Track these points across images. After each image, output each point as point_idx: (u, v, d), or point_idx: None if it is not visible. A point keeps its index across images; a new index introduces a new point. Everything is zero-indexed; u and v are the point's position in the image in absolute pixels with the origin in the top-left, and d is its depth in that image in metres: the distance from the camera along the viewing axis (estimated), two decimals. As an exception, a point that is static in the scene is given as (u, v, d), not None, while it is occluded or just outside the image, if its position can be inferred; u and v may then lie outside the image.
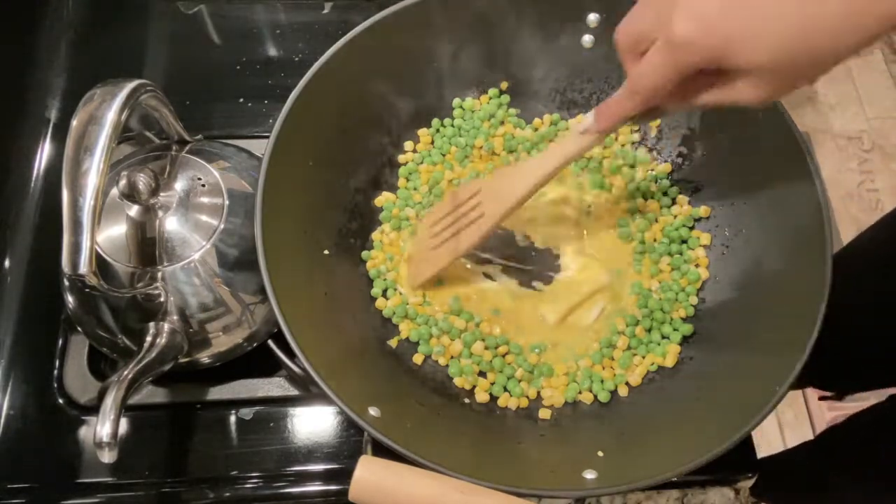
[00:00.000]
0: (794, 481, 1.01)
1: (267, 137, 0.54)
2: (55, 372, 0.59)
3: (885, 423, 0.85)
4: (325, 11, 0.77)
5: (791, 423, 1.40)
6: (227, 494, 0.56)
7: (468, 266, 0.61)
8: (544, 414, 0.56)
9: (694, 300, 0.59)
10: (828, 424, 1.39)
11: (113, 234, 0.52)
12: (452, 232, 0.57)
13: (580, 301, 0.59)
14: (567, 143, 0.52)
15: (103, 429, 0.44)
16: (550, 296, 0.60)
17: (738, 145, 0.60)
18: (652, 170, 0.64)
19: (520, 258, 0.62)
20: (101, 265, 0.51)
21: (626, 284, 0.61)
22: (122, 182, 0.49)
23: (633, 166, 0.64)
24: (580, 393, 0.57)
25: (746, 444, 0.57)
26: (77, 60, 0.73)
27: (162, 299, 0.52)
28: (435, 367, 0.58)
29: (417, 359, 0.58)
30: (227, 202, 0.54)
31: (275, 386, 0.59)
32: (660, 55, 0.41)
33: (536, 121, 0.67)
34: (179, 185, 0.54)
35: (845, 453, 0.93)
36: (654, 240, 0.62)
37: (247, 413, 0.59)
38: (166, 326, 0.52)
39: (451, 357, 0.58)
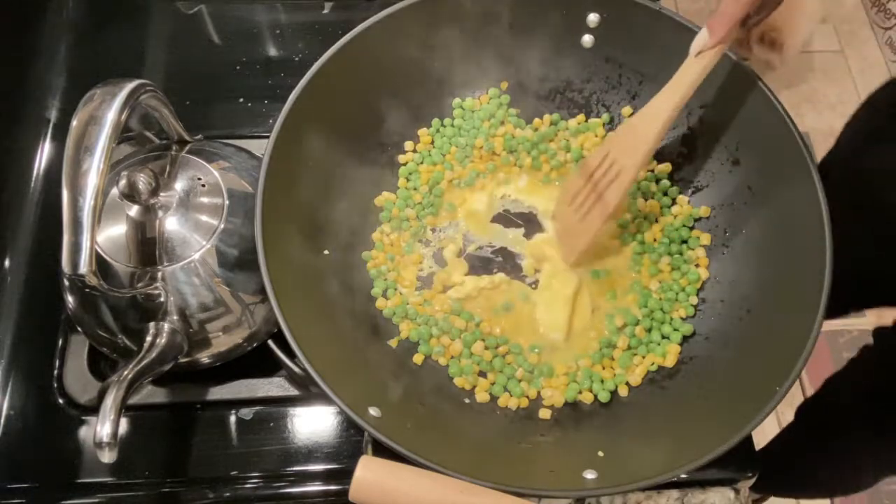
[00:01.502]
0: (785, 461, 1.02)
1: (267, 137, 0.54)
2: (55, 372, 0.59)
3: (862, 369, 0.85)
4: (325, 11, 0.77)
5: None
6: (227, 494, 0.56)
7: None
8: (544, 414, 0.56)
9: (694, 300, 0.59)
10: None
11: (113, 234, 0.52)
12: (594, 198, 0.57)
13: (571, 307, 0.59)
14: (688, 71, 0.52)
15: (103, 429, 0.44)
16: (541, 309, 0.60)
17: (738, 145, 0.60)
18: (652, 170, 0.64)
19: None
20: (101, 265, 0.51)
21: (623, 283, 0.61)
22: (122, 182, 0.49)
23: (633, 166, 0.64)
24: (580, 393, 0.57)
25: (746, 444, 0.57)
26: (77, 60, 0.73)
27: (162, 299, 0.52)
28: (435, 367, 0.58)
29: (417, 359, 0.58)
30: (227, 202, 0.54)
31: (275, 386, 0.59)
32: None
33: (536, 121, 0.67)
34: (179, 185, 0.54)
35: (827, 412, 0.94)
36: (654, 240, 0.62)
37: (247, 413, 0.59)
38: (166, 326, 0.52)
39: (451, 357, 0.58)
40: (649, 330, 0.59)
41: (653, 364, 0.57)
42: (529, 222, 0.63)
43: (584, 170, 0.58)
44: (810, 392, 1.40)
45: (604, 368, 0.58)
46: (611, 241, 0.62)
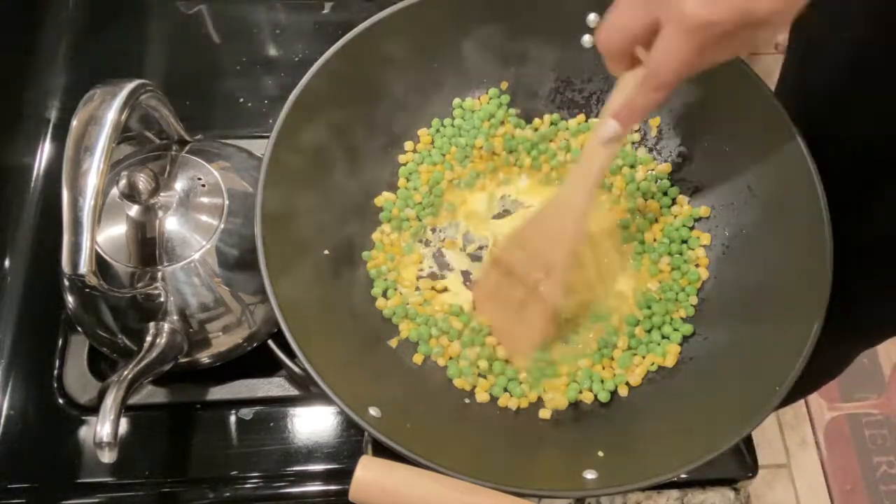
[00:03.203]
0: None
1: (267, 137, 0.54)
2: (55, 372, 0.59)
3: None
4: (325, 11, 0.77)
5: (791, 422, 1.40)
6: (227, 494, 0.56)
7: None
8: (544, 414, 0.56)
9: (694, 300, 0.59)
10: (827, 424, 1.39)
11: (113, 234, 0.52)
12: (525, 294, 0.55)
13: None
14: (596, 157, 0.50)
15: (103, 429, 0.44)
16: None
17: (738, 145, 0.60)
18: (652, 170, 0.64)
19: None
20: (101, 265, 0.51)
21: (622, 283, 0.61)
22: (122, 182, 0.49)
23: (633, 166, 0.64)
24: (580, 393, 0.57)
25: (746, 444, 0.57)
26: (77, 60, 0.73)
27: (162, 299, 0.52)
28: (435, 367, 0.58)
29: (417, 359, 0.58)
30: (227, 202, 0.54)
31: (275, 386, 0.59)
32: (677, 42, 0.40)
33: (536, 121, 0.67)
34: (179, 185, 0.54)
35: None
36: (654, 240, 0.62)
37: (247, 413, 0.59)
38: (166, 326, 0.52)
39: (450, 358, 0.58)
40: (649, 330, 0.59)
41: (653, 364, 0.57)
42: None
43: (498, 266, 0.56)
44: (812, 398, 1.40)
45: (604, 368, 0.58)
46: (610, 241, 0.62)
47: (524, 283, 0.55)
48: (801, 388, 1.01)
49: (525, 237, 0.55)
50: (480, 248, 0.62)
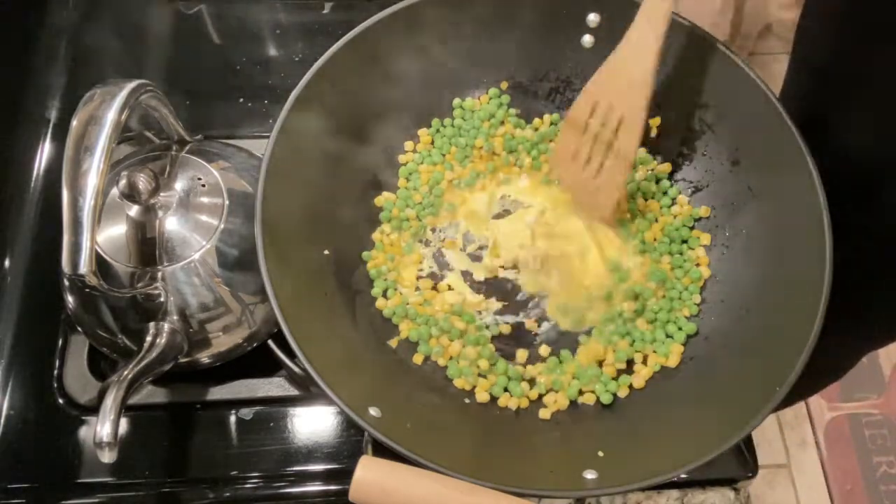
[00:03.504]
0: None
1: (267, 137, 0.54)
2: (55, 372, 0.59)
3: None
4: (325, 11, 0.77)
5: (791, 422, 1.40)
6: (227, 494, 0.56)
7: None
8: (544, 414, 0.56)
9: (697, 298, 0.59)
10: (827, 424, 1.40)
11: (113, 234, 0.52)
12: (602, 150, 0.54)
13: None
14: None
15: (103, 429, 0.44)
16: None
17: (737, 145, 0.60)
18: (652, 170, 0.64)
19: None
20: (101, 265, 0.51)
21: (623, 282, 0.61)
22: (122, 182, 0.49)
23: (633, 166, 0.64)
24: (581, 394, 0.57)
25: (746, 444, 0.57)
26: (77, 60, 0.73)
27: (162, 299, 0.52)
28: (435, 367, 0.58)
29: (417, 359, 0.58)
30: (227, 202, 0.54)
31: (275, 386, 0.59)
32: None
33: (536, 121, 0.66)
34: (179, 185, 0.54)
35: None
36: (655, 240, 0.62)
37: (247, 413, 0.59)
38: (166, 326, 0.52)
39: (451, 358, 0.58)
40: (653, 322, 0.59)
41: (656, 364, 0.57)
42: (529, 222, 0.63)
43: (573, 125, 0.55)
44: (812, 398, 1.40)
45: (615, 351, 0.58)
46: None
47: (598, 139, 0.53)
48: (806, 389, 1.01)
49: (596, 92, 0.53)
50: (480, 248, 0.62)
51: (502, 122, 0.66)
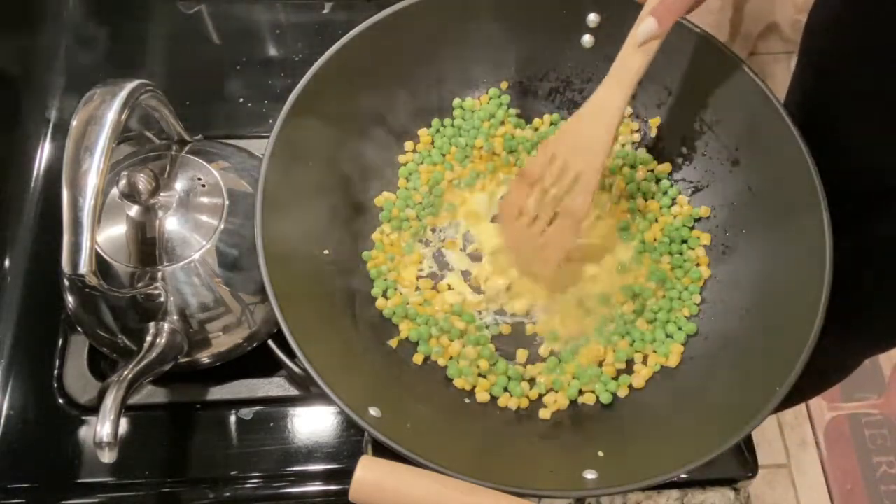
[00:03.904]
0: None
1: (267, 137, 0.54)
2: (55, 372, 0.59)
3: None
4: (325, 11, 0.77)
5: (791, 422, 1.40)
6: (227, 494, 0.56)
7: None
8: (544, 414, 0.56)
9: (697, 298, 0.59)
10: (827, 424, 1.39)
11: (113, 234, 0.52)
12: (552, 207, 0.53)
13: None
14: (633, 61, 0.49)
15: (103, 429, 0.44)
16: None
17: (737, 146, 0.60)
18: (652, 170, 0.64)
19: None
20: (101, 265, 0.51)
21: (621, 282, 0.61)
22: (122, 182, 0.49)
23: (633, 166, 0.64)
24: (581, 394, 0.57)
25: (746, 444, 0.57)
26: (77, 60, 0.73)
27: (162, 299, 0.52)
28: (435, 367, 0.58)
29: (417, 359, 0.58)
30: (227, 202, 0.54)
31: (275, 386, 0.59)
32: None
33: (536, 121, 0.67)
34: (179, 185, 0.54)
35: None
36: (655, 240, 0.62)
37: (247, 413, 0.59)
38: (166, 326, 0.52)
39: (450, 357, 0.58)
40: (653, 322, 0.59)
41: (656, 364, 0.57)
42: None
43: (525, 179, 0.55)
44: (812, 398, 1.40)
45: (615, 351, 0.58)
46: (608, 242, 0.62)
47: (551, 195, 0.53)
48: (808, 390, 1.01)
49: (555, 147, 0.53)
50: (480, 248, 0.62)
51: (502, 122, 0.66)
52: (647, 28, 0.47)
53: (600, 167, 0.52)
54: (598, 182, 0.53)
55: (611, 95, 0.51)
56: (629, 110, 0.65)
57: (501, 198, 0.61)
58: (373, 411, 0.48)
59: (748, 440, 0.57)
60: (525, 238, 0.57)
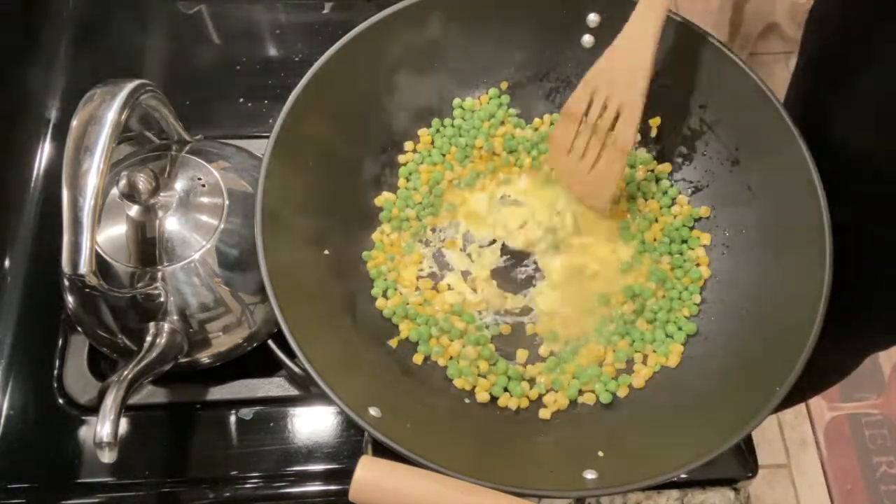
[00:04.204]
0: None
1: (267, 137, 0.54)
2: (55, 372, 0.59)
3: None
4: (325, 11, 0.77)
5: (791, 422, 1.40)
6: (227, 494, 0.56)
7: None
8: (544, 414, 0.56)
9: (697, 298, 0.59)
10: (827, 424, 1.39)
11: (113, 234, 0.52)
12: (599, 141, 0.55)
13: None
14: None
15: (103, 429, 0.44)
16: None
17: (737, 145, 0.60)
18: (652, 170, 0.64)
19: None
20: (101, 265, 0.51)
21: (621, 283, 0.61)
22: (122, 182, 0.49)
23: (633, 166, 0.64)
24: (581, 394, 0.57)
25: (746, 444, 0.57)
26: (77, 60, 0.73)
27: (162, 299, 0.52)
28: (435, 367, 0.58)
29: (417, 359, 0.58)
30: (227, 202, 0.54)
31: (275, 386, 0.59)
32: None
33: (536, 121, 0.66)
34: (179, 185, 0.54)
35: None
36: (655, 240, 0.62)
37: (247, 413, 0.59)
38: (166, 326, 0.52)
39: (451, 357, 0.58)
40: (652, 321, 0.58)
41: (656, 364, 0.57)
42: (529, 222, 0.63)
43: (571, 115, 0.56)
44: (812, 398, 1.40)
45: (614, 351, 0.58)
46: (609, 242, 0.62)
47: (596, 129, 0.54)
48: (808, 390, 1.01)
49: (595, 82, 0.54)
50: (480, 247, 0.62)
51: (502, 122, 0.66)
52: None
53: (642, 97, 0.53)
54: (640, 112, 0.53)
55: (644, 20, 0.51)
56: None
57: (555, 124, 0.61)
58: (373, 411, 0.48)
59: (748, 440, 0.57)
60: (577, 173, 0.57)
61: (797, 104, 0.69)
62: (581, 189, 0.59)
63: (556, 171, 0.59)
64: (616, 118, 0.54)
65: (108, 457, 0.44)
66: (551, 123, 0.66)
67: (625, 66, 0.52)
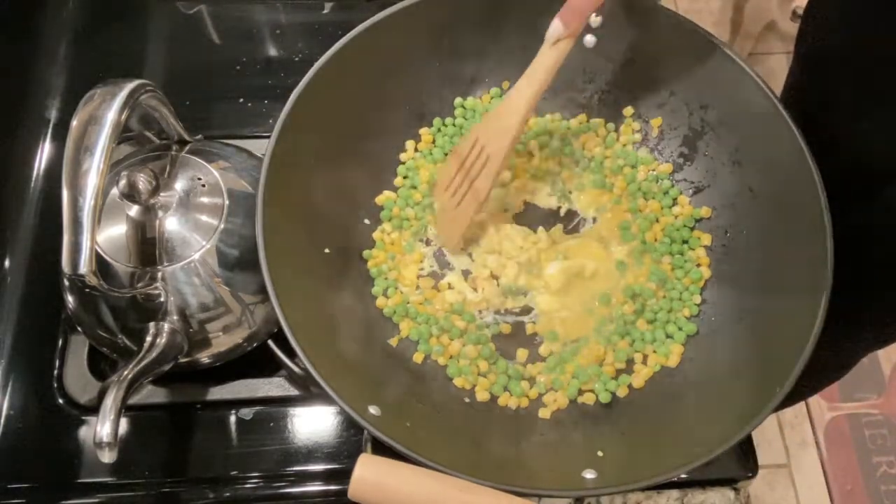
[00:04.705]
0: None
1: (267, 137, 0.54)
2: (55, 372, 0.59)
3: None
4: (325, 11, 0.77)
5: (791, 422, 1.40)
6: (227, 494, 0.56)
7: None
8: (544, 414, 0.56)
9: (697, 299, 0.59)
10: (827, 424, 1.39)
11: (113, 234, 0.52)
12: (467, 185, 0.59)
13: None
14: (545, 59, 0.55)
15: (103, 429, 0.44)
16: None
17: (739, 146, 0.60)
18: (653, 170, 0.64)
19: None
20: (101, 265, 0.51)
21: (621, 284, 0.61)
22: (122, 182, 0.49)
23: (634, 167, 0.64)
24: (581, 394, 0.57)
25: (746, 444, 0.57)
26: (77, 60, 0.73)
27: (162, 299, 0.52)
28: (435, 365, 0.58)
29: (418, 358, 0.58)
30: (227, 202, 0.54)
31: (275, 386, 0.59)
32: None
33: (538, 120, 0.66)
34: (179, 185, 0.54)
35: None
36: (655, 240, 0.62)
37: (247, 413, 0.59)
38: (166, 326, 0.52)
39: (451, 357, 0.58)
40: (653, 321, 0.58)
41: (656, 365, 0.57)
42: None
43: (456, 157, 0.59)
44: (812, 398, 1.40)
45: (614, 351, 0.58)
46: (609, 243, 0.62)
47: (468, 174, 0.58)
48: (807, 389, 1.01)
49: (480, 128, 0.58)
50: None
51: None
52: (553, 30, 0.53)
53: (505, 152, 0.57)
54: (500, 166, 0.57)
55: (522, 90, 0.56)
56: (631, 110, 0.65)
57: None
58: (372, 410, 0.48)
59: (748, 440, 0.57)
60: (446, 209, 0.61)
61: (792, 102, 0.69)
62: (440, 226, 0.62)
63: (436, 204, 0.62)
64: (482, 168, 0.58)
65: (108, 457, 0.44)
66: (552, 123, 0.66)
67: (498, 125, 0.57)
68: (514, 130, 0.56)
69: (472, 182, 0.58)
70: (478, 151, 0.58)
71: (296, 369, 0.56)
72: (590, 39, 0.62)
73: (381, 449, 0.46)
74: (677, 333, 0.58)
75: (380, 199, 0.63)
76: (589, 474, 0.48)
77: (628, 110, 0.65)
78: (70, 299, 0.55)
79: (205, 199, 0.54)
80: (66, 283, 0.55)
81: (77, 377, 0.59)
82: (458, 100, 0.66)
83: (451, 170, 0.60)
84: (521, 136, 0.65)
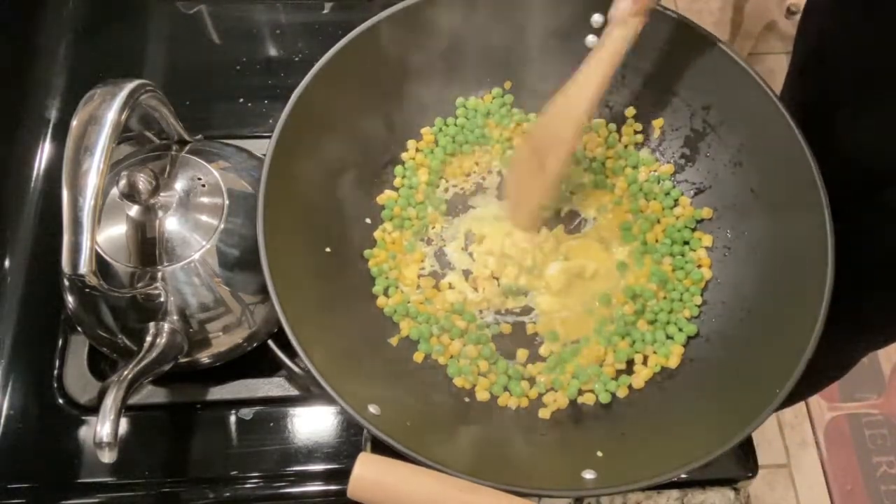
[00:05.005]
0: None
1: (267, 137, 0.54)
2: (55, 372, 0.59)
3: None
4: (325, 11, 0.77)
5: (791, 422, 1.40)
6: (227, 494, 0.56)
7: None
8: (544, 414, 0.56)
9: (698, 300, 0.59)
10: (827, 424, 1.39)
11: (113, 234, 0.52)
12: (537, 166, 0.59)
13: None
14: (612, 37, 0.54)
15: (103, 429, 0.44)
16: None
17: (740, 147, 0.60)
18: (654, 171, 0.64)
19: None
20: (101, 265, 0.51)
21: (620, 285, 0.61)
22: (122, 182, 0.49)
23: (635, 167, 0.64)
24: (581, 394, 0.57)
25: (746, 444, 0.57)
26: (77, 60, 0.73)
27: (162, 299, 0.52)
28: (435, 365, 0.58)
29: (418, 357, 0.58)
30: (227, 202, 0.54)
31: (275, 386, 0.59)
32: None
33: (537, 120, 0.66)
34: (179, 185, 0.54)
35: None
36: (656, 241, 0.62)
37: (247, 413, 0.59)
38: (166, 326, 0.52)
39: (451, 356, 0.58)
40: (653, 322, 0.58)
41: (656, 365, 0.57)
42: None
43: (529, 140, 0.60)
44: (812, 398, 1.40)
45: (615, 352, 0.58)
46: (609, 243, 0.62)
47: (539, 156, 0.59)
48: (806, 389, 1.01)
49: (552, 111, 0.58)
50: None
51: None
52: (620, 7, 0.52)
53: (574, 134, 0.57)
54: (570, 149, 0.58)
55: (594, 70, 0.55)
56: (632, 111, 0.65)
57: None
58: (372, 409, 0.48)
59: (748, 440, 0.57)
60: (518, 185, 0.61)
61: (792, 102, 0.69)
62: (514, 199, 0.62)
63: (506, 185, 0.63)
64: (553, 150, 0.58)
65: (108, 457, 0.44)
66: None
67: (568, 107, 0.57)
68: (581, 115, 0.56)
69: (543, 163, 0.58)
70: (550, 134, 0.58)
71: (296, 369, 0.56)
72: (591, 39, 0.62)
73: (380, 448, 0.46)
74: (678, 334, 0.58)
75: (381, 199, 0.63)
76: (589, 474, 0.48)
77: (630, 111, 0.65)
78: (70, 299, 0.55)
79: (205, 199, 0.54)
80: (66, 283, 0.55)
81: (77, 377, 0.59)
82: (459, 99, 0.66)
83: (525, 151, 0.60)
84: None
